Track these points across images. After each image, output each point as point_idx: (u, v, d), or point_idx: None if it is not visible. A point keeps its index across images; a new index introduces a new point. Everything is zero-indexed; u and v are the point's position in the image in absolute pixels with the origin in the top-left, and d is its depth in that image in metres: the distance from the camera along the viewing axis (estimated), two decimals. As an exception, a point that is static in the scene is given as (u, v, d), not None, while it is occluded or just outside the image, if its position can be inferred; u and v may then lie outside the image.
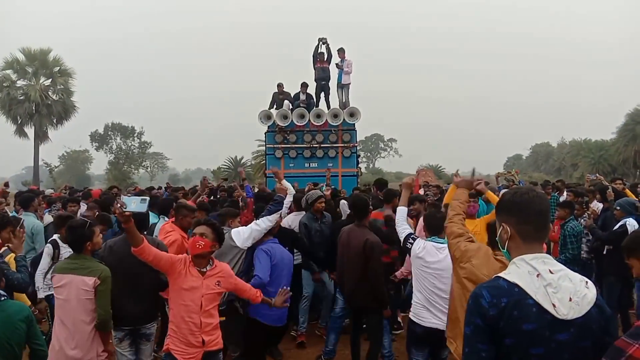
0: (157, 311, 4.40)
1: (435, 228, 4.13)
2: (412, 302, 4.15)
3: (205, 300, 3.47)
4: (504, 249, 1.96)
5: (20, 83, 32.37)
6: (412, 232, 4.29)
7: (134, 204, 3.38)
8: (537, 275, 1.76)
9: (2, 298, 3.07)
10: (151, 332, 4.18)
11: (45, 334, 4.35)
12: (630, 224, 5.96)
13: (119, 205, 3.29)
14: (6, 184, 7.61)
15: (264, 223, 4.59)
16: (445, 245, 3.61)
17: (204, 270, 3.53)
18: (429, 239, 4.14)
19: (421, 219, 5.40)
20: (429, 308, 3.94)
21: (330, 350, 5.42)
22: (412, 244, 4.13)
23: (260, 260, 4.44)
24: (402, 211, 4.36)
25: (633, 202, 6.45)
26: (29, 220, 6.30)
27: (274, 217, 4.66)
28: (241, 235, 4.60)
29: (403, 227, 4.29)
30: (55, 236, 5.25)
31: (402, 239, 4.24)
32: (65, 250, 5.34)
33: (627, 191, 9.15)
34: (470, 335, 1.79)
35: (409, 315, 4.13)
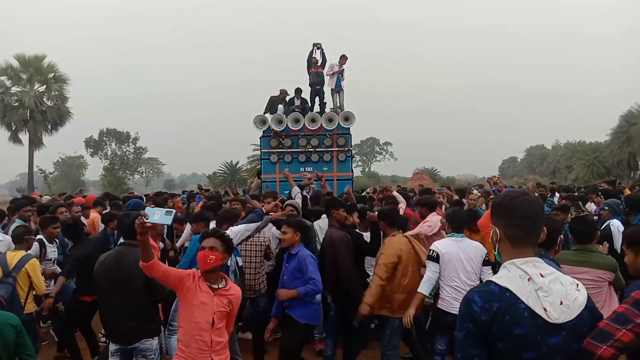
0: (156, 327, 4.16)
1: (457, 225, 4.76)
2: (441, 296, 4.64)
3: (216, 318, 3.30)
4: (495, 251, 1.97)
5: (14, 89, 32.31)
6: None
7: (157, 216, 3.13)
8: (528, 280, 1.77)
9: None
10: (147, 348, 3.97)
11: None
12: (614, 225, 5.85)
13: (140, 215, 3.10)
14: None
15: (236, 230, 4.55)
16: (464, 238, 4.66)
17: (215, 286, 3.36)
18: (449, 235, 4.76)
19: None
20: (457, 297, 4.42)
21: (330, 356, 5.33)
22: (435, 249, 4.63)
23: (312, 265, 4.60)
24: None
25: (620, 203, 6.46)
26: (14, 227, 6.46)
27: (252, 227, 4.63)
28: None
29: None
30: (39, 236, 5.67)
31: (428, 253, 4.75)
32: (50, 249, 5.72)
33: (627, 191, 9.18)
34: (463, 341, 1.79)
35: (438, 306, 4.65)
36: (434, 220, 6.06)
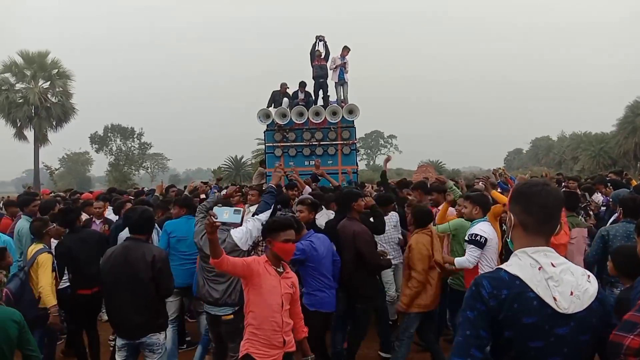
0: (163, 321, 4.13)
1: (488, 210, 4.87)
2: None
3: (284, 300, 3.48)
4: (508, 237, 1.95)
5: (19, 86, 32.32)
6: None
7: (226, 215, 3.28)
8: (539, 268, 1.74)
9: None
10: (154, 342, 3.98)
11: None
12: None
13: (210, 215, 3.23)
14: None
15: (265, 216, 4.46)
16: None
17: (280, 270, 3.54)
18: (483, 219, 4.74)
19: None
20: None
21: (339, 351, 5.19)
22: (482, 234, 4.55)
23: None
24: None
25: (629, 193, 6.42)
26: (19, 223, 6.33)
27: (270, 212, 4.57)
28: (238, 237, 4.24)
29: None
30: None
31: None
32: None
33: (634, 182, 9.14)
34: (474, 320, 1.72)
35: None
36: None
